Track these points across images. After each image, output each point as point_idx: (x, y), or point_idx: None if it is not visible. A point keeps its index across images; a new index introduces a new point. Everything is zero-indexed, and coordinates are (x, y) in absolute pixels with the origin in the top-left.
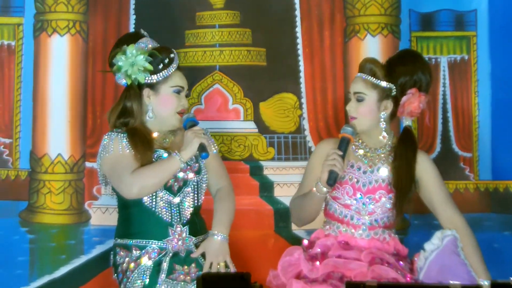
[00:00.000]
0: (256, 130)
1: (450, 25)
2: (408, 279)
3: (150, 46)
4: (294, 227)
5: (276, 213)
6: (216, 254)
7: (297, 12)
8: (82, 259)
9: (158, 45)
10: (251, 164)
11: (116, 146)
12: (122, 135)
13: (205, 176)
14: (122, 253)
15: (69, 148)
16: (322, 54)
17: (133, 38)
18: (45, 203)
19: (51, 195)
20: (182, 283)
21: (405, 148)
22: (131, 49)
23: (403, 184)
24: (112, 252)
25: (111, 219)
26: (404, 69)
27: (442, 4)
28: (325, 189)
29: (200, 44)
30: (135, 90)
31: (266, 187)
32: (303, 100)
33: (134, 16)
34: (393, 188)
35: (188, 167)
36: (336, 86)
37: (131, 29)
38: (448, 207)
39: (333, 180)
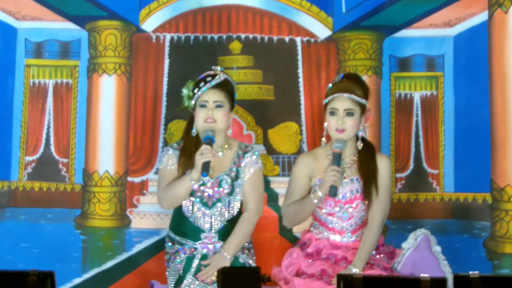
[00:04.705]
0: (265, 152)
1: (422, 67)
2: (388, 272)
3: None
4: (295, 229)
5: (281, 218)
6: (215, 266)
7: (299, 57)
8: (124, 255)
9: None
10: None
11: (166, 160)
12: (176, 152)
13: (237, 196)
14: (169, 243)
15: (114, 166)
16: (319, 91)
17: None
18: (94, 210)
19: (99, 204)
20: (204, 285)
21: (367, 149)
22: (187, 85)
23: (369, 172)
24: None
25: (148, 223)
26: (367, 89)
27: (416, 50)
28: (322, 196)
29: None
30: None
31: (273, 198)
32: (303, 128)
33: (168, 60)
34: (360, 177)
35: (222, 188)
36: None
37: (166, 70)
38: (378, 204)
39: (334, 193)
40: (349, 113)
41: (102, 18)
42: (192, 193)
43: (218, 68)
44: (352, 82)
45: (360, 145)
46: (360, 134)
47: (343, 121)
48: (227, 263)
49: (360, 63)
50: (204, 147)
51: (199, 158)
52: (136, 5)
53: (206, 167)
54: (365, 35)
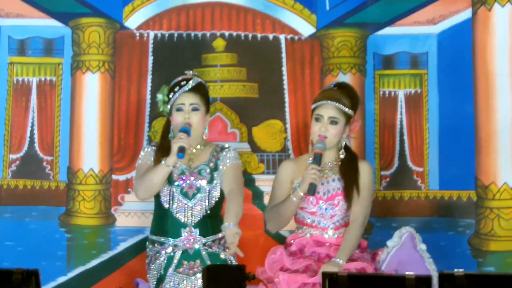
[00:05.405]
0: (250, 150)
1: (406, 64)
2: (373, 268)
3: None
4: None
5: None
6: (232, 237)
7: (283, 54)
8: (109, 253)
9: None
10: (245, 177)
11: (143, 156)
12: (153, 148)
13: (217, 185)
14: (150, 246)
15: (99, 164)
16: (303, 88)
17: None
18: (79, 208)
19: (84, 202)
20: (185, 276)
21: (349, 157)
22: (162, 90)
23: (350, 173)
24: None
25: (133, 221)
26: (356, 100)
27: (400, 48)
28: (302, 194)
29: (205, 80)
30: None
31: (257, 196)
32: (288, 126)
33: (152, 57)
34: (341, 177)
35: (202, 176)
36: None
37: (150, 68)
38: (359, 204)
39: (313, 191)
40: (333, 122)
41: (85, 15)
42: (172, 182)
43: (191, 72)
44: (341, 92)
45: (342, 154)
46: (344, 143)
47: (326, 128)
48: (236, 229)
49: (344, 60)
50: (180, 134)
51: (175, 142)
52: (120, 2)
53: (182, 150)
54: (349, 33)
